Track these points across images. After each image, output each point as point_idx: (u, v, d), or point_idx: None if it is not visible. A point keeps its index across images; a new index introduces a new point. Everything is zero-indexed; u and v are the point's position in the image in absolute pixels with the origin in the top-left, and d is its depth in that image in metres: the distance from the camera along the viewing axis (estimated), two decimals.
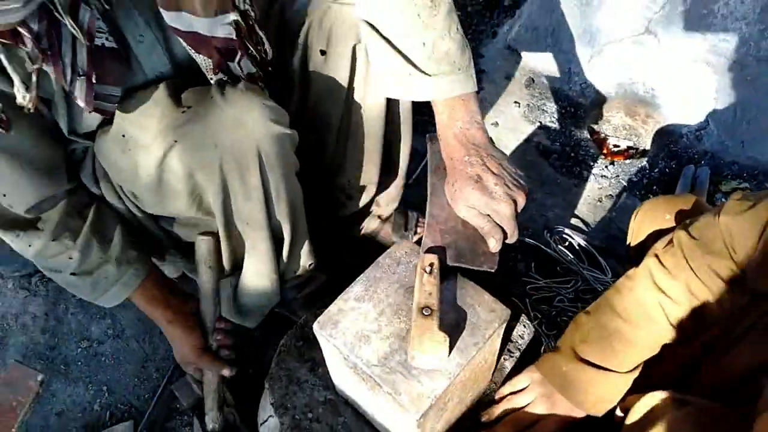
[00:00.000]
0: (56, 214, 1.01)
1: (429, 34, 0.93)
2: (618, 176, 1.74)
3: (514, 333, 1.12)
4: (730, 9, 1.47)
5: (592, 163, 1.77)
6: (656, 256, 0.95)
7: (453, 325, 0.87)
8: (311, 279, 1.32)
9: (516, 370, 1.07)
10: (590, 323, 1.00)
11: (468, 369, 0.86)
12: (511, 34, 1.99)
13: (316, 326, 0.88)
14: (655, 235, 1.10)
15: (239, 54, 0.97)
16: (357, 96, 1.13)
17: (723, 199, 1.65)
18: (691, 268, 0.90)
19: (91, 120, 0.97)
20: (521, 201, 0.94)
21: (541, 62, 1.92)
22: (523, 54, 1.95)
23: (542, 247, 1.55)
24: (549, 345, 1.34)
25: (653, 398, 0.87)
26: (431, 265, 0.88)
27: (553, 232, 1.57)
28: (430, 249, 0.93)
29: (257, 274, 1.13)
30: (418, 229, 1.49)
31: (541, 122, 1.86)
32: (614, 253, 1.54)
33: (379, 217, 1.43)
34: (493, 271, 0.94)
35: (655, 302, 0.93)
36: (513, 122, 1.86)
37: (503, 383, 1.06)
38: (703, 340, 0.97)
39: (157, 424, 1.38)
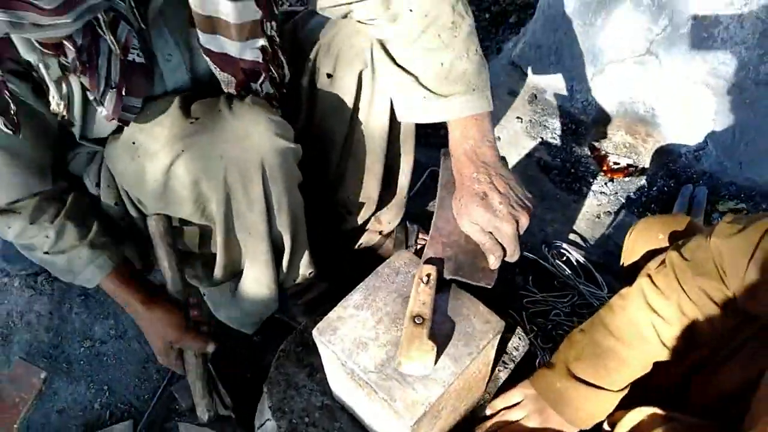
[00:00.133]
0: (33, 201, 1.03)
1: (447, 54, 0.95)
2: (617, 193, 1.76)
3: (509, 345, 1.13)
4: (729, 33, 1.50)
5: (591, 180, 1.79)
6: (649, 276, 0.96)
7: (447, 335, 0.89)
8: (312, 286, 1.34)
9: (510, 382, 1.08)
10: (584, 340, 1.01)
11: (462, 378, 0.88)
12: (515, 51, 2.01)
13: (315, 332, 0.90)
14: (649, 255, 1.11)
15: (263, 76, 1.01)
16: (361, 116, 1.15)
17: (720, 219, 1.66)
18: (683, 289, 0.91)
19: (106, 127, 1.00)
20: (524, 221, 0.95)
21: (544, 79, 1.94)
22: (527, 71, 1.98)
23: (540, 261, 1.56)
24: (544, 358, 1.35)
25: (640, 413, 0.88)
26: (428, 275, 0.90)
27: (552, 247, 1.58)
28: (430, 260, 0.95)
29: (256, 282, 1.15)
30: (419, 243, 1.50)
31: (542, 138, 1.88)
32: (611, 269, 1.54)
33: (380, 233, 1.44)
34: (489, 287, 0.95)
35: (647, 322, 0.94)
36: (515, 137, 1.88)
37: (497, 395, 1.07)
38: (693, 359, 0.98)
39: (156, 425, 1.40)
